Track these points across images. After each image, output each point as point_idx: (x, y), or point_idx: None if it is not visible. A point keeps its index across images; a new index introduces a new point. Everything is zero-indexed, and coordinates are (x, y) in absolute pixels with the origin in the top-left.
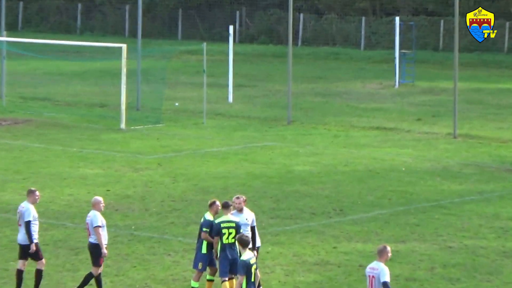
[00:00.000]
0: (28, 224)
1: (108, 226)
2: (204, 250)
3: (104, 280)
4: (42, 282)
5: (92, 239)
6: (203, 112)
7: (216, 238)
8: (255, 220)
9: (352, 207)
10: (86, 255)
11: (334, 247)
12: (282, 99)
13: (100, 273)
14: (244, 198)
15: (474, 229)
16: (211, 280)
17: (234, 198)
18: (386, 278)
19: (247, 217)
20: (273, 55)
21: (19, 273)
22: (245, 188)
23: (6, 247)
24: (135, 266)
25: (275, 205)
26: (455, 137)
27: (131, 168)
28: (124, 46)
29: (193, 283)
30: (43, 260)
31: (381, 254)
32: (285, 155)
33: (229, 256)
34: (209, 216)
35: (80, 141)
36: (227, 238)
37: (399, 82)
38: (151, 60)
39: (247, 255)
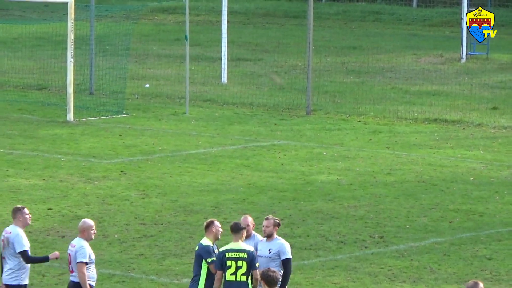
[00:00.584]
0: (26, 256)
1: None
2: (202, 285)
3: None
4: None
5: (75, 278)
6: (185, 97)
7: (219, 273)
8: (288, 251)
9: (397, 234)
10: None
11: None
12: (299, 79)
13: None
14: (277, 221)
15: None
16: None
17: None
18: None
19: (272, 247)
20: (285, 15)
21: None
22: (245, 205)
23: None
24: None
25: (288, 230)
26: None
27: (82, 177)
28: (70, 1)
29: None
30: None
31: None
32: (302, 160)
33: None
34: (207, 241)
35: (9, 139)
36: (234, 273)
37: (467, 54)
38: (110, 22)
39: None
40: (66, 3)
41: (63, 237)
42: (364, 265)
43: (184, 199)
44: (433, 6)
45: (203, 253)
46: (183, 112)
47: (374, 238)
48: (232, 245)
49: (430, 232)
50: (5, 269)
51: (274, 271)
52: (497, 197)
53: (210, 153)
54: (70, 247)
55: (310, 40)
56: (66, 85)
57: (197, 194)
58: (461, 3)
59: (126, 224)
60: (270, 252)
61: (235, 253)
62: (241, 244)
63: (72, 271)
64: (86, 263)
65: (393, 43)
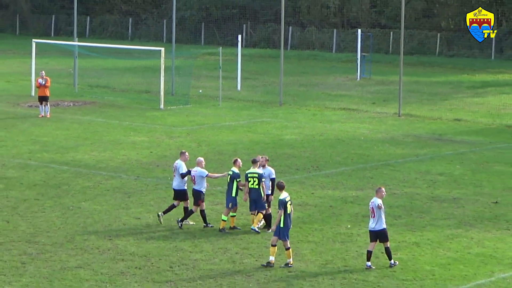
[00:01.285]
0: (182, 175)
1: (151, 178)
2: (233, 194)
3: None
4: (104, 216)
5: (196, 187)
6: (219, 97)
7: (246, 183)
8: (274, 174)
9: (325, 165)
10: (136, 198)
11: (312, 193)
12: (276, 88)
13: (203, 210)
14: (266, 158)
15: (411, 181)
16: (233, 216)
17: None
18: (378, 202)
19: (265, 171)
20: (269, 56)
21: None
22: (249, 151)
23: (79, 191)
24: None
25: (270, 163)
26: (399, 116)
27: (167, 136)
28: (162, 49)
29: (223, 217)
30: (189, 201)
31: (377, 192)
32: (277, 128)
33: (252, 197)
34: (235, 169)
35: (131, 117)
36: (252, 184)
37: (360, 76)
38: (182, 59)
39: (283, 195)
40: (160, 50)
41: (157, 166)
42: (309, 181)
43: (218, 147)
44: (343, 52)
45: (236, 176)
46: (218, 104)
47: (314, 167)
48: (251, 170)
49: (342, 164)
50: (174, 182)
51: (282, 181)
52: (375, 147)
53: (231, 125)
54: (192, 172)
55: (281, 69)
56: (160, 90)
57: (225, 145)
58: (357, 51)
59: (190, 160)
60: (265, 174)
61: (252, 173)
62: (256, 169)
63: (195, 183)
64: (208, 173)
65: (323, 70)
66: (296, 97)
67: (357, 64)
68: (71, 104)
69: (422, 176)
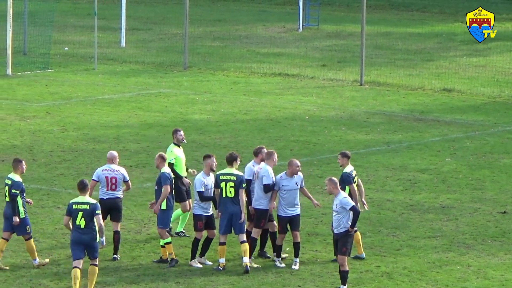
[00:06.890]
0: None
1: None
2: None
3: None
4: None
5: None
6: (94, 57)
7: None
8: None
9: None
10: None
11: None
12: (179, 44)
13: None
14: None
15: (380, 181)
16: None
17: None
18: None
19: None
20: None
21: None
22: (138, 137)
23: None
24: None
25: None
26: (361, 84)
27: (18, 116)
28: None
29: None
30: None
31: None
32: (181, 103)
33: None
34: (166, 169)
35: None
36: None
37: (303, 25)
38: (39, 2)
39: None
40: None
41: (3, 160)
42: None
43: (93, 132)
44: None
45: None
46: (93, 68)
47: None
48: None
49: None
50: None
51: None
52: (326, 131)
53: (112, 98)
54: (109, 171)
55: (187, 15)
56: (6, 47)
57: (103, 129)
58: None
59: (50, 151)
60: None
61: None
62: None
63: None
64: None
65: (248, 17)
66: (209, 57)
67: (299, 7)
68: None
69: (396, 174)
